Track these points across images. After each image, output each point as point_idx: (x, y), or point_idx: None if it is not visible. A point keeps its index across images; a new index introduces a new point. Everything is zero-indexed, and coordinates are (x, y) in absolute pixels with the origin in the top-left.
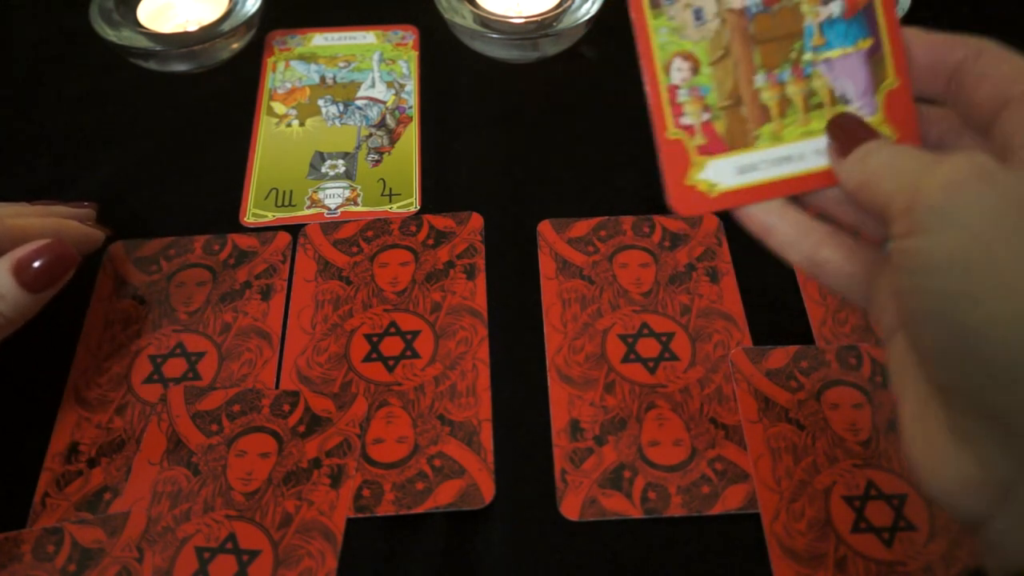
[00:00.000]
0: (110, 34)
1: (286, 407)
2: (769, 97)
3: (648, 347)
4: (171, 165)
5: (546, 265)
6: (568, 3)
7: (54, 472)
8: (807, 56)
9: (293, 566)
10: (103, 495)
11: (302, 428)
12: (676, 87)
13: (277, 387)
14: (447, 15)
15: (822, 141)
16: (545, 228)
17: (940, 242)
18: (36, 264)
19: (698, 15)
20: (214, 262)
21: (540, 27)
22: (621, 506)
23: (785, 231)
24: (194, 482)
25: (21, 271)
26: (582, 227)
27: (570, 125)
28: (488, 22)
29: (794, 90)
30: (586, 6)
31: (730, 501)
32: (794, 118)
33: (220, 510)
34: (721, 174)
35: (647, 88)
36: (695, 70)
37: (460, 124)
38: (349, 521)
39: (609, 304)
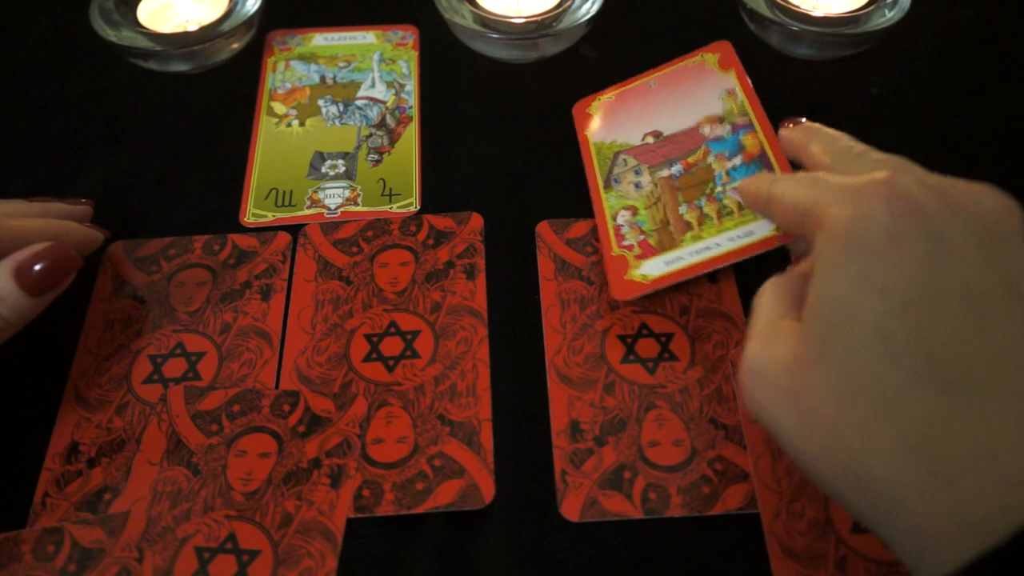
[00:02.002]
0: (110, 34)
1: (286, 407)
2: (690, 217)
3: (647, 347)
4: (171, 165)
5: (545, 266)
6: (568, 3)
7: (54, 472)
8: (718, 189)
9: (293, 566)
10: (103, 495)
11: (302, 428)
12: (620, 227)
13: (277, 387)
14: (447, 15)
15: (734, 232)
16: (544, 229)
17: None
18: (37, 267)
19: (637, 186)
20: (214, 262)
21: (540, 27)
22: (621, 507)
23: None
24: (194, 482)
25: (22, 274)
26: (581, 228)
27: (570, 125)
28: (488, 22)
29: (709, 208)
30: (586, 6)
31: (730, 501)
32: (710, 224)
33: (220, 510)
34: (652, 268)
35: (597, 224)
36: (635, 213)
37: (460, 124)
38: (349, 521)
39: (608, 305)
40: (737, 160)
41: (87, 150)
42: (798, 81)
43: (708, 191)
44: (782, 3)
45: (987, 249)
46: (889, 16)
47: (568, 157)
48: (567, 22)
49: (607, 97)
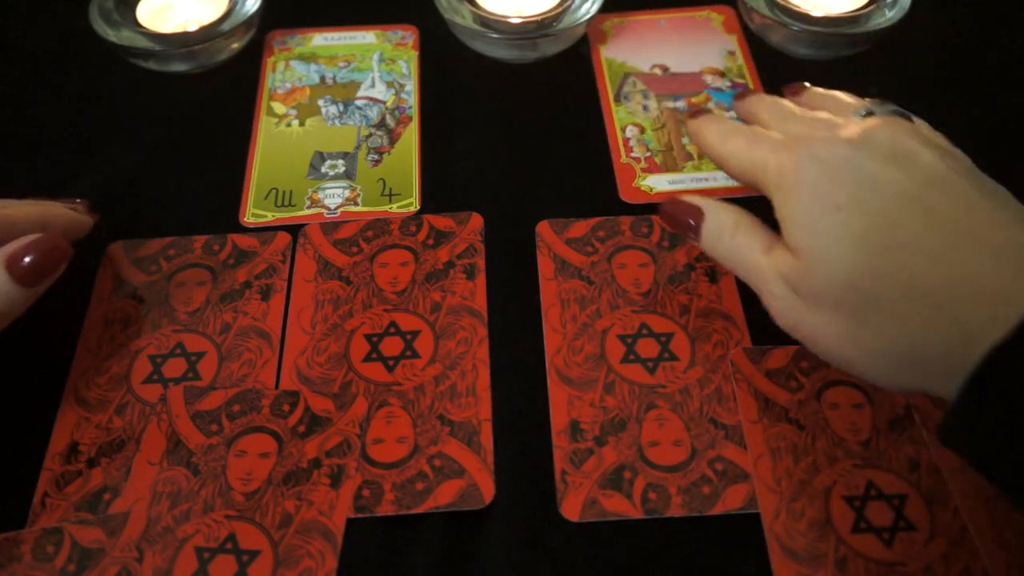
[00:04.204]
0: (110, 34)
1: (286, 407)
2: (692, 149)
3: (647, 347)
4: (171, 165)
5: (545, 266)
6: (568, 3)
7: (54, 472)
8: None
9: (293, 566)
10: (103, 495)
11: (302, 428)
12: (628, 139)
13: (277, 387)
14: (447, 15)
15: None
16: (543, 229)
17: None
18: (28, 259)
19: (645, 108)
20: (214, 262)
21: (540, 27)
22: (621, 507)
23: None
24: (194, 482)
25: (13, 265)
26: (580, 227)
27: (570, 125)
28: (488, 22)
29: None
30: (586, 6)
31: (730, 501)
32: (709, 161)
33: (220, 510)
34: (657, 183)
35: (607, 132)
36: (642, 132)
37: (460, 124)
38: (349, 521)
39: (608, 304)
40: (734, 114)
41: (87, 150)
42: (798, 81)
43: None
44: (782, 3)
45: (897, 159)
46: (889, 16)
47: (569, 156)
48: (567, 22)
49: (619, 20)
